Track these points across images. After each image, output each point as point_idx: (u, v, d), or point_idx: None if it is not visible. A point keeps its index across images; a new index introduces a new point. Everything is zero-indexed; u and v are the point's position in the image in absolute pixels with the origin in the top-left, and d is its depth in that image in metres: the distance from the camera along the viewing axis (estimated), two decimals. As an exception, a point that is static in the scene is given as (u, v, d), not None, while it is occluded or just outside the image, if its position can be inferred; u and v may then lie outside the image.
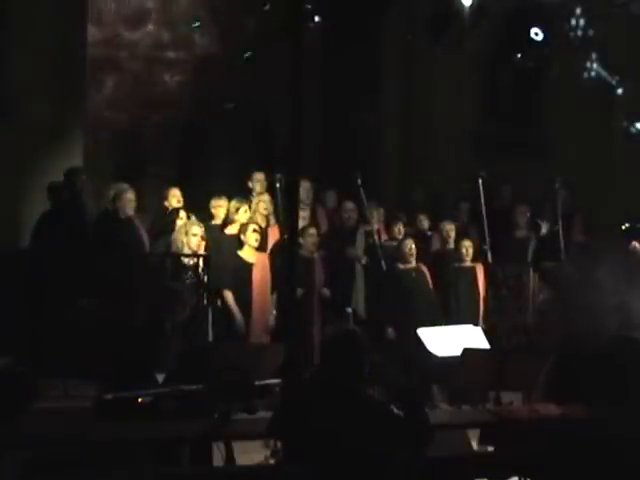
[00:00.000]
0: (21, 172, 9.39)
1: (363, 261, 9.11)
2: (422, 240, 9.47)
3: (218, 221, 8.78)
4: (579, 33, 10.87)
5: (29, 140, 9.42)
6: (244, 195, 9.03)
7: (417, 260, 8.92)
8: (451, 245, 9.32)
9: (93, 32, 10.73)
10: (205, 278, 8.03)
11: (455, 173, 11.38)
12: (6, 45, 9.50)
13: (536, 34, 10.46)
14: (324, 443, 4.00)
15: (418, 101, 12.18)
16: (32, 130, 9.42)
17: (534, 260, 9.56)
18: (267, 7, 10.14)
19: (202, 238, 8.24)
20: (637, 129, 11.17)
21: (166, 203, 9.00)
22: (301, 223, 8.07)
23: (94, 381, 6.83)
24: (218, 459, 5.42)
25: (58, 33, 9.63)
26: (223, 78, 11.30)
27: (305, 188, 8.73)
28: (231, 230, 8.62)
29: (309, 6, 9.31)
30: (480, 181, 9.17)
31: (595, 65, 11.01)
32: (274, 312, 8.38)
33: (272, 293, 8.44)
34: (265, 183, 9.17)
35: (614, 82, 11.04)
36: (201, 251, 8.21)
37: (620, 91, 11.09)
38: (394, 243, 9.16)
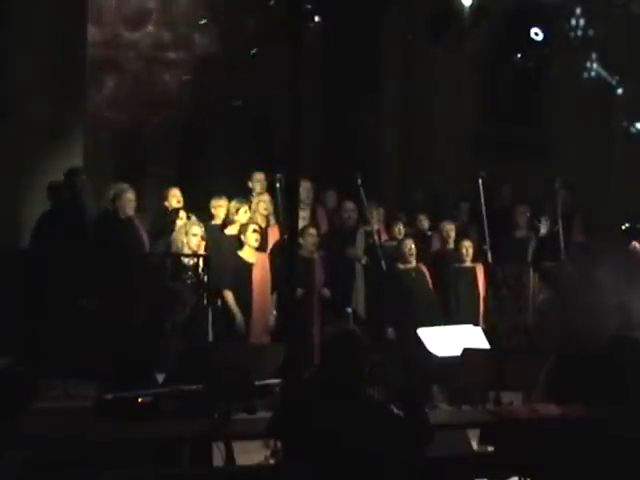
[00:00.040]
0: (21, 172, 9.38)
1: (363, 261, 9.11)
2: (422, 240, 9.47)
3: (218, 221, 8.79)
4: (579, 33, 10.87)
5: (29, 140, 9.42)
6: (244, 195, 9.03)
7: (417, 260, 8.92)
8: (451, 245, 9.33)
9: (93, 32, 10.72)
10: (205, 278, 8.03)
11: (455, 173, 11.38)
12: (6, 45, 9.50)
13: (536, 34, 10.46)
14: (324, 443, 4.00)
15: (418, 101, 12.18)
16: (32, 130, 9.42)
17: (534, 260, 9.56)
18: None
19: (202, 238, 8.24)
20: (637, 129, 11.17)
21: (166, 203, 9.00)
22: (301, 223, 8.08)
23: (94, 381, 6.83)
24: (218, 459, 5.42)
25: (58, 33, 9.63)
26: (223, 78, 11.29)
27: (305, 188, 8.73)
28: (231, 230, 8.62)
29: (309, 6, 9.32)
30: (480, 181, 9.18)
31: (595, 65, 11.02)
32: (274, 312, 8.38)
33: (272, 293, 8.44)
34: (265, 183, 9.17)
35: (614, 82, 11.04)
36: (201, 251, 8.21)
37: (620, 91, 11.09)
38: (394, 243, 9.16)
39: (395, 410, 4.11)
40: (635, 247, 9.14)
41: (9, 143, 9.29)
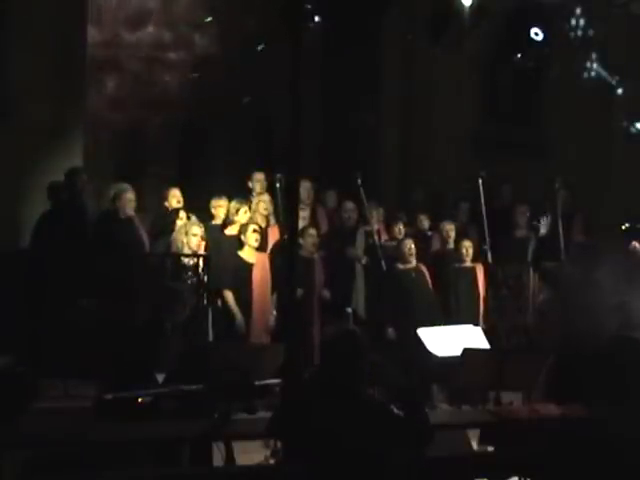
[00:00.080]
0: (21, 172, 9.38)
1: (363, 261, 9.12)
2: (422, 240, 9.47)
3: (218, 221, 8.79)
4: (579, 33, 10.87)
5: (29, 140, 9.41)
6: (244, 195, 9.03)
7: (417, 260, 8.92)
8: (451, 245, 9.33)
9: (93, 32, 10.73)
10: (205, 278, 8.04)
11: (455, 173, 11.38)
12: (6, 45, 9.50)
13: (536, 34, 10.45)
14: (324, 443, 4.00)
15: (418, 101, 12.18)
16: (32, 130, 9.42)
17: (534, 260, 9.55)
18: None
19: (202, 238, 8.25)
20: (637, 129, 11.16)
21: (166, 203, 9.00)
22: (301, 223, 8.08)
23: (94, 381, 6.83)
24: (218, 459, 5.42)
25: (58, 33, 9.63)
26: (223, 78, 11.29)
27: (305, 188, 8.73)
28: (231, 230, 8.62)
29: (309, 6, 9.30)
30: (480, 181, 9.18)
31: (595, 65, 11.01)
32: (274, 312, 8.38)
33: (272, 293, 8.44)
34: (265, 183, 9.17)
35: (614, 82, 11.03)
36: (201, 251, 8.21)
37: (620, 91, 11.08)
38: (394, 243, 9.16)
39: (395, 410, 4.11)
40: (635, 247, 9.13)
41: (9, 143, 9.29)
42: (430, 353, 7.40)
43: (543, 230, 9.51)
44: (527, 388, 6.75)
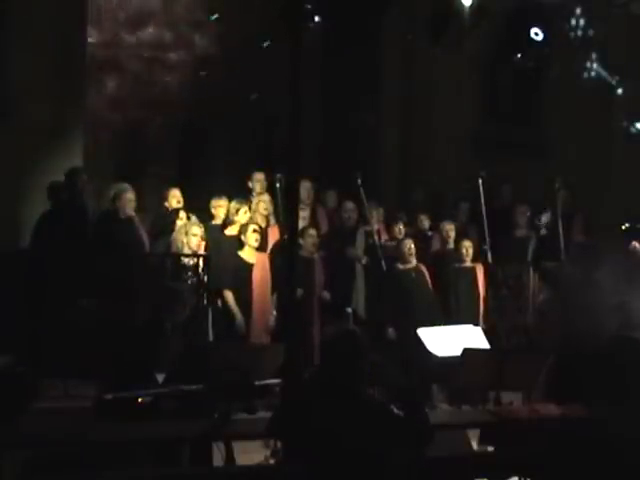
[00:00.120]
0: (21, 172, 9.38)
1: (363, 261, 9.12)
2: (422, 240, 9.47)
3: (218, 221, 8.79)
4: (579, 33, 10.87)
5: (29, 140, 9.41)
6: (244, 195, 9.03)
7: (417, 260, 8.92)
8: (451, 245, 9.33)
9: (93, 32, 10.73)
10: (205, 278, 8.04)
11: (455, 173, 11.38)
12: (6, 45, 9.50)
13: (536, 34, 10.46)
14: (324, 443, 4.00)
15: (418, 101, 12.18)
16: (32, 130, 9.42)
17: (534, 260, 9.56)
18: None
19: (202, 238, 8.25)
20: (637, 129, 11.16)
21: (166, 204, 9.00)
22: (301, 223, 8.08)
23: (94, 381, 6.83)
24: (218, 459, 5.42)
25: (58, 33, 9.63)
26: (223, 78, 11.29)
27: (305, 188, 8.73)
28: (231, 230, 8.62)
29: (309, 6, 9.29)
30: (480, 181, 9.18)
31: (595, 65, 11.01)
32: (274, 312, 8.38)
33: (272, 293, 8.44)
34: (265, 183, 9.17)
35: (614, 82, 11.03)
36: (201, 251, 8.21)
37: (620, 91, 11.09)
38: (394, 243, 9.16)
39: (395, 410, 4.11)
40: (635, 247, 9.14)
41: (9, 143, 9.29)
42: (430, 353, 7.40)
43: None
44: (527, 388, 6.75)
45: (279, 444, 5.73)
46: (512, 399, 6.65)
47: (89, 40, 10.38)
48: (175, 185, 9.25)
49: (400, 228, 9.33)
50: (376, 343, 7.68)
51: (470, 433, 5.94)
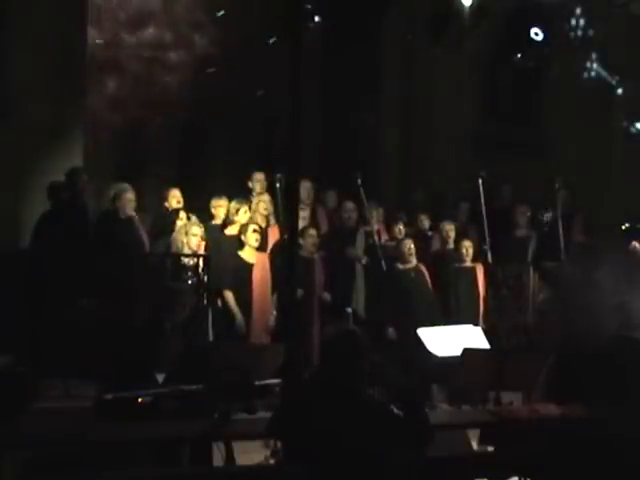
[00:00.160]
0: (21, 172, 9.38)
1: (363, 261, 9.12)
2: (422, 240, 9.48)
3: (218, 221, 8.79)
4: (579, 33, 10.87)
5: (29, 140, 9.41)
6: (244, 195, 9.03)
7: (417, 260, 8.92)
8: (451, 245, 9.33)
9: (93, 32, 10.73)
10: (205, 278, 8.04)
11: (455, 173, 11.38)
12: (6, 45, 9.49)
13: (536, 34, 10.46)
14: (324, 443, 4.00)
15: (418, 101, 12.18)
16: (32, 130, 9.42)
17: (534, 260, 9.56)
18: None
19: (202, 238, 8.25)
20: (637, 129, 11.16)
21: (166, 204, 9.01)
22: (301, 223, 8.08)
23: (94, 381, 6.83)
24: (218, 459, 5.42)
25: (58, 33, 9.63)
26: (223, 78, 11.29)
27: (305, 188, 8.73)
28: (231, 230, 8.62)
29: (309, 6, 9.31)
30: (480, 181, 9.18)
31: (595, 65, 11.01)
32: (274, 312, 8.38)
33: (272, 293, 8.44)
34: (265, 183, 9.17)
35: (614, 82, 11.04)
36: (201, 251, 8.21)
37: (620, 91, 11.09)
38: (394, 243, 9.16)
39: (395, 410, 4.11)
40: (635, 247, 9.14)
41: (9, 143, 9.29)
42: (430, 353, 7.39)
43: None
44: (527, 388, 6.75)
45: (279, 444, 5.73)
46: (512, 399, 6.65)
47: (89, 40, 10.36)
48: (175, 185, 9.25)
49: (400, 228, 9.33)
50: (376, 343, 7.68)
51: (470, 433, 5.94)
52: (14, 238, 9.13)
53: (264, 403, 5.76)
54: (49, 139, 9.59)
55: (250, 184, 9.23)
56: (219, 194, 8.90)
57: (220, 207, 8.80)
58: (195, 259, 8.09)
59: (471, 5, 9.52)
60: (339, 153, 11.55)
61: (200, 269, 8.04)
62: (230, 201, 8.74)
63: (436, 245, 9.63)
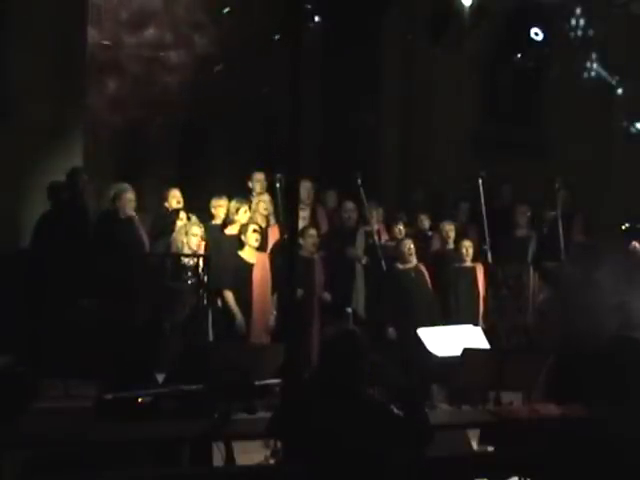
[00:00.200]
0: (21, 172, 9.38)
1: (363, 261, 9.11)
2: (422, 240, 9.48)
3: (218, 221, 8.79)
4: (579, 33, 10.87)
5: (29, 140, 9.41)
6: (244, 195, 9.03)
7: (417, 260, 8.92)
8: (451, 245, 9.33)
9: (93, 32, 10.72)
10: (205, 278, 8.04)
11: (455, 173, 11.38)
12: (6, 45, 9.49)
13: (536, 34, 10.47)
14: (324, 443, 4.00)
15: (418, 101, 12.19)
16: (32, 130, 9.41)
17: (534, 260, 9.56)
18: None
19: (202, 238, 8.25)
20: (637, 129, 11.17)
21: (166, 204, 9.01)
22: (301, 223, 8.08)
23: (94, 381, 6.83)
24: (218, 459, 5.42)
25: (58, 33, 9.62)
26: (223, 78, 11.29)
27: (305, 188, 8.73)
28: (231, 230, 8.62)
29: (309, 6, 9.31)
30: (480, 181, 9.18)
31: (595, 65, 11.02)
32: (274, 312, 8.38)
33: (272, 293, 8.44)
34: (265, 183, 9.17)
35: (614, 82, 11.04)
36: (201, 251, 8.21)
37: (620, 91, 11.09)
38: (394, 243, 9.16)
39: (395, 410, 4.11)
40: (635, 247, 9.14)
41: (9, 143, 9.28)
42: (430, 353, 7.40)
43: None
44: (527, 388, 6.75)
45: (279, 444, 5.73)
46: (512, 399, 6.65)
47: (89, 41, 10.36)
48: (175, 185, 9.25)
49: (400, 228, 9.33)
50: (376, 343, 7.68)
51: (470, 433, 5.94)
52: (14, 238, 9.13)
53: (264, 403, 5.77)
54: (49, 139, 9.59)
55: (250, 184, 9.23)
56: (219, 194, 8.90)
57: (220, 207, 8.80)
58: (195, 259, 8.09)
59: (471, 5, 9.53)
60: (339, 153, 11.55)
61: (200, 269, 8.04)
62: (230, 201, 8.74)
63: (436, 245, 9.63)
